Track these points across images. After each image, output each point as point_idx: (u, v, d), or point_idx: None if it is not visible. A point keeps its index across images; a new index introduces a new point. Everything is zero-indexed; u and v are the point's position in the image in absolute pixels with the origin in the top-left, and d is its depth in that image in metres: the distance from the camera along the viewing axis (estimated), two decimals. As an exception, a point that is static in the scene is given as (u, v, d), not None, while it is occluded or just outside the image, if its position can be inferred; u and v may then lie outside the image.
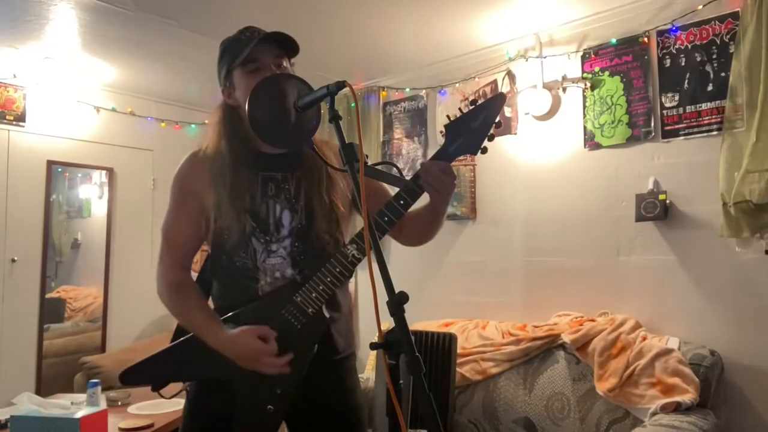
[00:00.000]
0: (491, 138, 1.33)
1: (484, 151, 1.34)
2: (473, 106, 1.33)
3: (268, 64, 1.44)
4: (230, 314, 1.45)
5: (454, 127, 1.34)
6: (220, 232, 1.46)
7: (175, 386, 1.52)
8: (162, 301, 1.50)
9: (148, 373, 1.48)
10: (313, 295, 1.42)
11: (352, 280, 3.92)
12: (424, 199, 1.40)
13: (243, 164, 1.45)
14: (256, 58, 1.43)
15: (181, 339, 1.49)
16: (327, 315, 1.46)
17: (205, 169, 1.47)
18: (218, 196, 1.44)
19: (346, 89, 1.17)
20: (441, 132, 1.38)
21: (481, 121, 1.32)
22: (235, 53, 1.45)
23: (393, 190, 1.44)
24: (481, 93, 3.21)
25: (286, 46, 1.47)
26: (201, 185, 1.47)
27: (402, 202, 1.36)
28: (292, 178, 1.50)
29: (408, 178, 1.40)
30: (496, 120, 1.33)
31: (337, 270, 1.41)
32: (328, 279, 1.41)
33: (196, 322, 1.45)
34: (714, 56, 2.46)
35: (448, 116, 1.36)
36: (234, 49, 1.46)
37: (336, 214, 1.51)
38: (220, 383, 1.44)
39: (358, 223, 1.37)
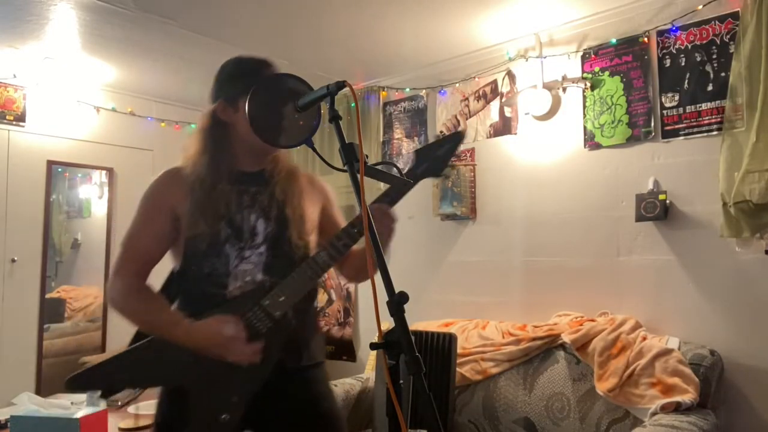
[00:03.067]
0: (452, 166, 1.59)
1: (448, 175, 1.53)
2: (440, 138, 1.58)
3: None
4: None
5: (422, 153, 1.54)
6: (192, 239, 1.46)
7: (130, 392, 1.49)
8: (118, 309, 1.48)
9: (96, 380, 1.45)
10: (281, 299, 1.42)
11: (352, 280, 3.93)
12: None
13: (221, 177, 1.49)
14: None
15: (134, 345, 1.46)
16: (293, 321, 1.46)
17: (181, 182, 1.50)
18: (194, 204, 1.47)
19: (346, 89, 1.17)
20: (414, 151, 1.63)
21: (445, 150, 1.53)
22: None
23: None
24: (481, 93, 3.22)
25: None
26: (175, 198, 1.49)
27: (355, 229, 1.46)
28: (265, 191, 1.55)
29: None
30: (457, 151, 1.59)
31: (308, 274, 1.44)
32: (298, 283, 1.44)
33: (162, 319, 1.44)
34: (714, 56, 2.46)
35: (440, 132, 1.61)
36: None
37: (308, 224, 1.58)
38: (174, 390, 1.42)
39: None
